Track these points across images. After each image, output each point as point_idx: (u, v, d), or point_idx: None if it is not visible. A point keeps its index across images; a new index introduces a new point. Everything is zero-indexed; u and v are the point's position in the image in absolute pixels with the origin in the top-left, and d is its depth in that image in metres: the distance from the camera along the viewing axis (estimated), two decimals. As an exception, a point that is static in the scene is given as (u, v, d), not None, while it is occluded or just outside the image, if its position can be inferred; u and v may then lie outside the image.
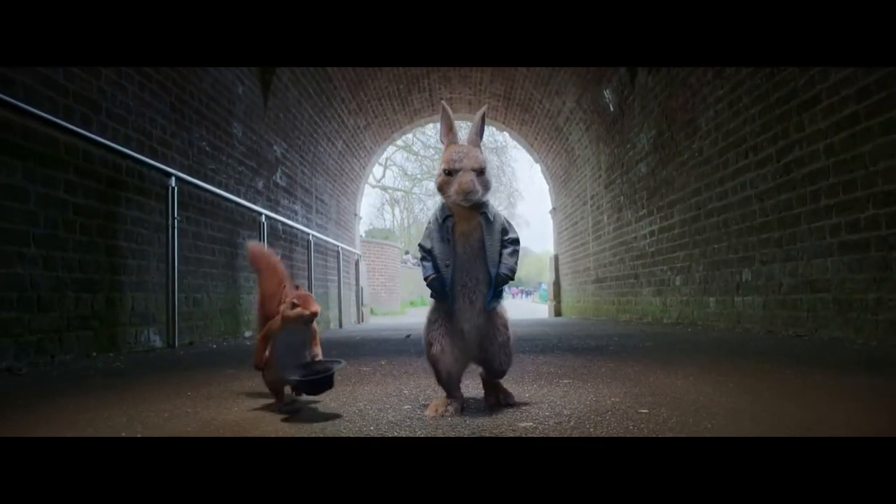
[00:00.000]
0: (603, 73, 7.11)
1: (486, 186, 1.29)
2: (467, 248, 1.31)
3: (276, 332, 1.43)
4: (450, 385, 1.39)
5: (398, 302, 18.86)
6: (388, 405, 1.48)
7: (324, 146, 8.29)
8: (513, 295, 48.56)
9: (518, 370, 2.17)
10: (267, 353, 1.46)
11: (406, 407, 1.44)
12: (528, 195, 36.92)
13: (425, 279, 1.33)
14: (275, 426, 1.28)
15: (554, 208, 11.25)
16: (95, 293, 3.27)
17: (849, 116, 3.14)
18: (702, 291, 5.11)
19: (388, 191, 27.34)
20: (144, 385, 2.02)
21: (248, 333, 5.22)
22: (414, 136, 23.51)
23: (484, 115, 1.35)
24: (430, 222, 1.37)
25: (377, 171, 25.18)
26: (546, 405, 1.43)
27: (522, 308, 21.02)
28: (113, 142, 3.41)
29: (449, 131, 1.34)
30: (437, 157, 24.70)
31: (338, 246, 8.72)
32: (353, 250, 10.18)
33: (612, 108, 7.35)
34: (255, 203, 5.59)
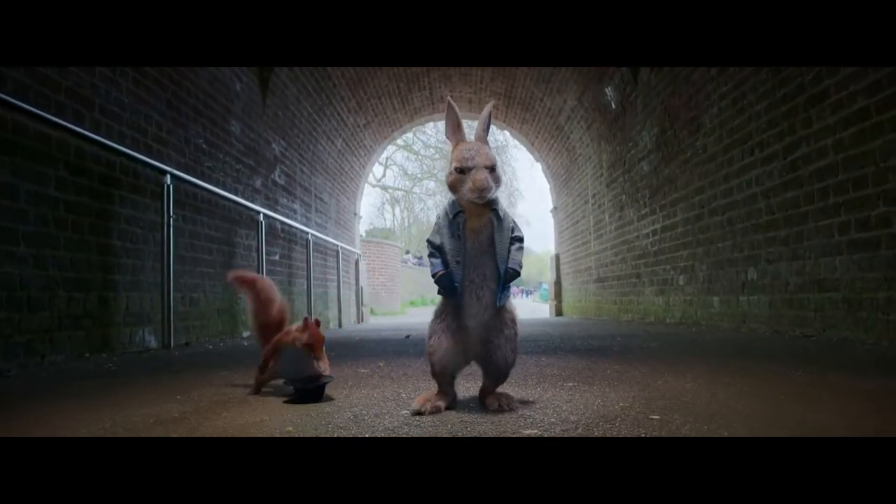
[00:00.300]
0: (605, 71, 7.04)
1: (498, 183, 1.30)
2: (476, 245, 1.31)
3: (284, 344, 1.57)
4: (442, 380, 1.40)
5: (398, 302, 18.80)
6: (385, 410, 1.42)
7: (323, 144, 8.22)
8: (513, 294, 48.48)
9: (521, 372, 2.10)
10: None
11: (403, 412, 1.38)
12: (529, 194, 36.98)
13: (433, 275, 1.33)
14: (264, 434, 1.21)
15: (555, 207, 11.17)
16: (88, 292, 3.20)
17: (858, 111, 3.07)
18: (706, 291, 5.04)
19: (389, 190, 27.27)
20: (133, 387, 1.95)
21: (245, 334, 5.15)
22: (414, 135, 23.43)
23: (490, 112, 1.36)
24: (439, 217, 1.36)
25: (377, 170, 25.11)
26: (551, 410, 1.36)
27: (523, 307, 20.97)
28: (107, 139, 3.34)
29: (457, 129, 1.34)
30: (437, 156, 24.64)
31: (337, 245, 8.65)
32: (353, 250, 10.11)
33: (613, 106, 7.28)
34: (253, 202, 5.52)
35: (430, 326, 1.38)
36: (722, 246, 4.71)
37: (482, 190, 1.24)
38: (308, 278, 6.97)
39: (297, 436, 1.18)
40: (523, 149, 11.70)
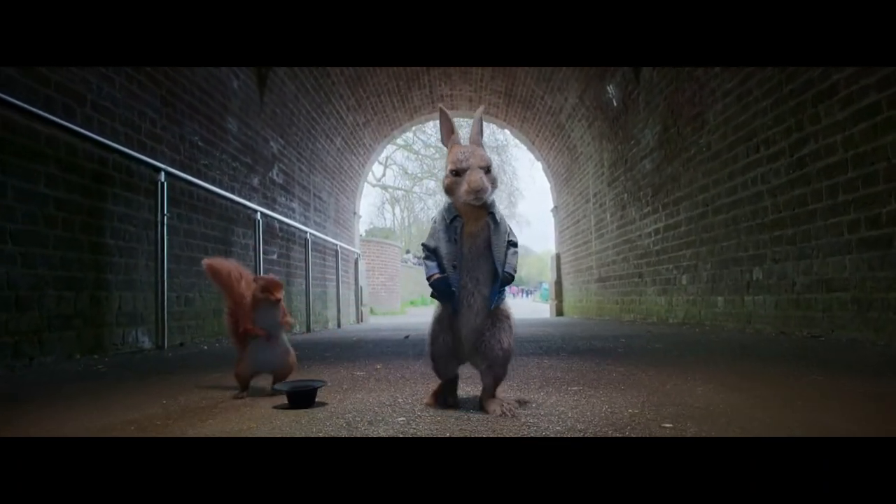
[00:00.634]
0: (606, 69, 6.96)
1: (494, 184, 1.30)
2: (473, 249, 1.31)
3: (254, 303, 1.63)
4: (449, 384, 1.45)
5: (398, 301, 18.71)
6: (381, 416, 1.34)
7: (322, 143, 8.14)
8: (513, 294, 48.48)
9: (523, 375, 2.03)
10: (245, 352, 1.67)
11: (400, 419, 1.30)
12: (529, 194, 36.92)
13: (428, 279, 1.32)
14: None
15: (555, 207, 11.09)
16: (79, 292, 3.12)
17: (869, 106, 2.99)
18: (709, 291, 4.96)
19: (389, 190, 27.19)
20: (120, 390, 1.87)
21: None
22: (414, 134, 23.35)
23: (482, 114, 1.37)
24: (435, 222, 1.36)
25: (377, 169, 25.05)
26: (556, 417, 1.28)
27: (523, 307, 20.88)
28: (99, 135, 3.27)
29: (451, 134, 1.35)
30: (437, 156, 24.56)
31: (336, 245, 8.57)
32: (353, 249, 10.03)
33: (615, 104, 7.20)
34: (250, 200, 5.44)
35: (431, 330, 1.38)
36: (726, 245, 4.63)
37: (477, 190, 1.24)
38: (307, 278, 6.89)
39: (290, 436, 1.16)
40: (524, 148, 11.61)
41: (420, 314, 14.16)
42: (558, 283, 11.01)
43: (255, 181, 5.79)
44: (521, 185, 45.61)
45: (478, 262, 1.31)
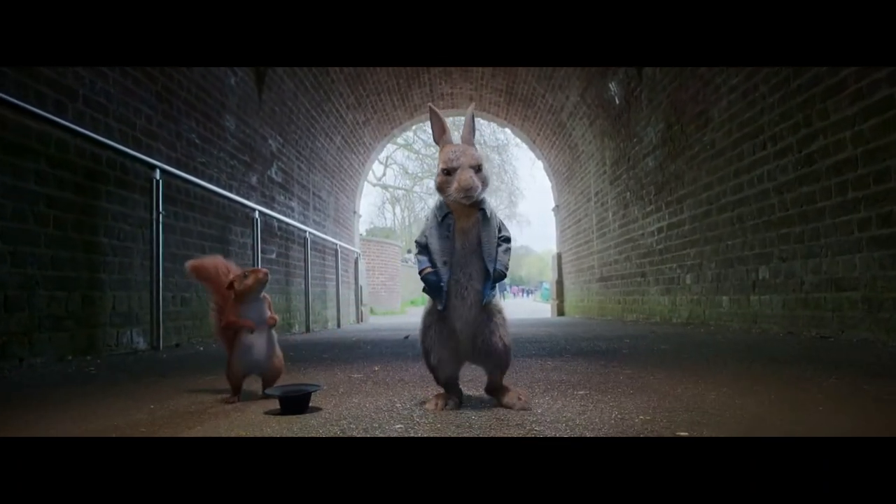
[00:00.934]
0: (608, 66, 6.88)
1: (485, 183, 1.31)
2: (465, 245, 1.33)
3: (242, 299, 1.57)
4: (448, 385, 1.42)
5: (399, 301, 18.64)
6: (377, 423, 1.27)
7: (321, 141, 8.06)
8: (513, 294, 48.40)
9: (526, 378, 1.96)
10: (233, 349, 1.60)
11: (398, 426, 1.23)
12: (530, 193, 36.80)
13: (420, 272, 1.35)
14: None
15: (557, 206, 11.02)
16: (71, 292, 3.05)
17: (881, 101, 2.91)
18: (714, 290, 4.88)
19: (389, 189, 27.11)
20: (108, 393, 1.80)
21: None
22: (415, 133, 23.25)
23: (473, 113, 1.38)
24: (427, 219, 1.39)
25: (377, 169, 24.97)
26: (563, 425, 1.21)
27: (524, 307, 20.80)
28: (92, 131, 3.20)
29: (442, 133, 1.37)
30: (437, 155, 24.45)
31: (336, 244, 8.49)
32: (353, 248, 9.96)
33: (617, 102, 7.12)
34: (248, 199, 5.37)
35: (422, 338, 1.39)
36: (731, 244, 4.55)
37: (468, 189, 1.25)
38: (306, 277, 6.82)
39: (288, 436, 1.14)
40: (524, 147, 11.54)
41: (420, 314, 14.06)
42: (559, 283, 10.93)
43: (254, 179, 5.72)
44: (522, 184, 45.46)
45: (470, 258, 1.32)
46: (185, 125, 4.38)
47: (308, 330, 6.65)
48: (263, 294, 1.63)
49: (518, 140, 11.70)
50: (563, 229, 10.81)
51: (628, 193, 7.07)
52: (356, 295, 10.11)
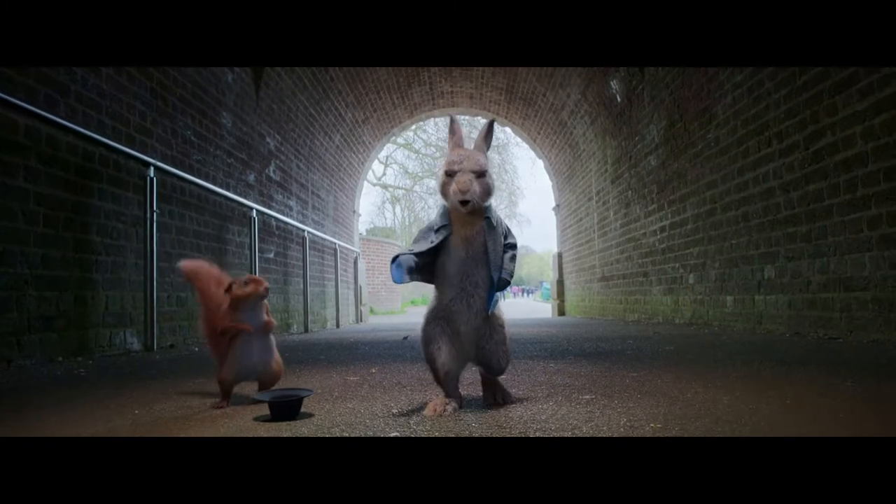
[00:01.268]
0: (609, 66, 6.80)
1: (487, 190, 1.30)
2: (470, 252, 1.32)
3: (238, 305, 1.50)
4: (447, 385, 1.39)
5: (399, 301, 18.57)
6: (372, 429, 1.20)
7: (320, 140, 7.99)
8: (514, 294, 48.36)
9: (528, 381, 1.89)
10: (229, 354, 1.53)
11: (394, 434, 1.16)
12: (530, 193, 36.79)
13: (395, 256, 1.33)
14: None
15: (557, 205, 10.94)
16: (62, 291, 2.98)
17: (891, 96, 2.84)
18: (718, 290, 4.81)
19: (389, 189, 27.02)
20: (93, 397, 1.73)
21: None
22: (415, 133, 23.17)
23: (492, 125, 1.35)
24: (421, 231, 1.39)
25: (377, 168, 24.89)
26: (569, 433, 1.14)
27: (524, 307, 20.72)
28: (84, 128, 3.13)
29: (458, 143, 1.36)
30: (438, 154, 24.38)
31: (335, 243, 8.42)
32: (352, 248, 9.88)
33: (619, 100, 7.05)
34: (245, 197, 5.30)
35: (423, 331, 1.38)
36: (736, 243, 4.48)
37: (464, 192, 1.24)
38: (304, 277, 6.75)
39: (287, 436, 1.13)
40: (525, 146, 11.46)
41: (420, 314, 14.00)
42: (560, 283, 10.86)
43: (251, 178, 5.65)
44: (522, 183, 45.37)
45: (476, 266, 1.32)
46: (181, 122, 4.31)
47: (307, 330, 6.58)
48: None
49: (518, 139, 11.61)
50: (563, 229, 10.74)
51: (630, 192, 7.00)
52: (356, 295, 10.04)
